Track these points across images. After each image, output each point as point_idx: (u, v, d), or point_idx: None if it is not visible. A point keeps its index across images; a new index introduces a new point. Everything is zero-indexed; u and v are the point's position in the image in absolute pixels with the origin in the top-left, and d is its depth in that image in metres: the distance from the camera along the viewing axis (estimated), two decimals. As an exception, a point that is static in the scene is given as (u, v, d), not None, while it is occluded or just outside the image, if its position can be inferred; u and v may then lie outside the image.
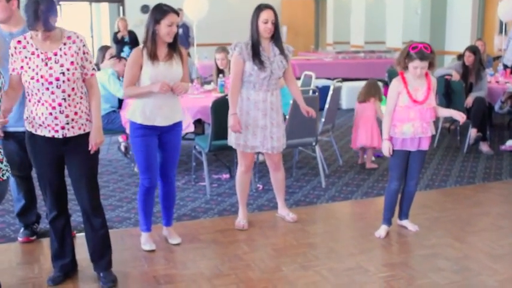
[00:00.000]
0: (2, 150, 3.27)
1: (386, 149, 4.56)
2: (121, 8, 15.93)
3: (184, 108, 5.98)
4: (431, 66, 4.48)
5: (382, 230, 4.73)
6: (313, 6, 17.63)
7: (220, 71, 7.29)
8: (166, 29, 4.08)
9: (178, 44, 4.29)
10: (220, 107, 5.58)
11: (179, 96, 4.36)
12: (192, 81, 7.21)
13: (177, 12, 4.19)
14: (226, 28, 14.88)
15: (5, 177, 3.25)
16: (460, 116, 4.54)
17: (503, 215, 5.23)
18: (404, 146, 4.54)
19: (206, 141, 5.76)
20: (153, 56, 4.13)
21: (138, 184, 4.47)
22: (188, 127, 6.07)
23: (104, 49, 7.07)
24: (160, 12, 4.09)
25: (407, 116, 4.46)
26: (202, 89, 7.17)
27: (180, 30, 12.95)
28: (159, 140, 4.34)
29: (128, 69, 4.21)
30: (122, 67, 6.23)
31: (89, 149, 3.63)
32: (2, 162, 3.26)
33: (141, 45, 4.23)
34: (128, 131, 4.94)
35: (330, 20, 17.08)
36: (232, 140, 4.77)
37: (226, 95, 5.79)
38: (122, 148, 7.25)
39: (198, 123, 6.69)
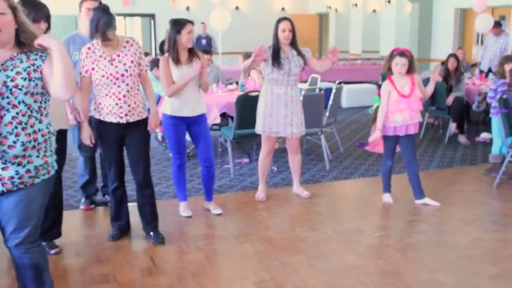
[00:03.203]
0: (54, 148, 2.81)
1: (376, 136, 4.91)
2: (152, 22, 16.26)
3: (212, 104, 6.38)
4: (412, 69, 4.84)
5: (388, 197, 5.11)
6: (317, 20, 17.88)
7: None
8: (186, 37, 4.40)
9: (196, 49, 4.60)
10: (243, 102, 5.94)
11: (204, 93, 4.71)
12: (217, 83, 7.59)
13: (192, 23, 4.49)
14: (245, 38, 15.13)
15: (53, 172, 2.76)
16: (436, 72, 5.01)
17: (476, 191, 5.54)
18: (395, 132, 4.90)
19: (231, 131, 6.11)
20: (177, 61, 4.45)
21: (171, 166, 4.82)
22: (215, 119, 6.43)
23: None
24: (179, 24, 4.40)
25: (398, 108, 4.82)
26: (226, 89, 7.53)
27: (204, 41, 13.36)
28: (191, 133, 4.67)
29: (163, 74, 4.48)
30: None
31: (148, 129, 4.02)
32: (53, 157, 2.77)
33: (166, 54, 4.52)
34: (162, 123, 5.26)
35: (331, 32, 17.26)
36: (259, 127, 5.11)
37: (248, 93, 6.17)
38: (159, 137, 7.62)
39: (223, 117, 7.04)
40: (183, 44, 4.42)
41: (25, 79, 2.54)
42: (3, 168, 2.52)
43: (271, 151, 5.27)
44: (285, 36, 4.94)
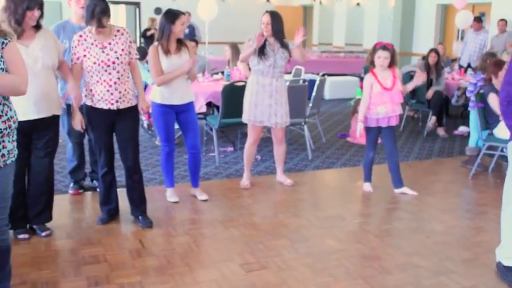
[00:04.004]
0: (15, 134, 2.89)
1: (359, 129, 5.08)
2: (137, 9, 16.25)
3: (198, 93, 6.50)
4: (393, 63, 5.02)
5: (368, 186, 5.29)
6: (301, 12, 18.03)
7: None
8: (180, 27, 4.53)
9: (184, 39, 4.72)
10: (229, 92, 6.08)
11: (191, 82, 4.83)
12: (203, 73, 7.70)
13: (184, 14, 4.65)
14: (230, 28, 15.19)
15: (16, 156, 2.89)
16: (420, 76, 5.07)
17: (452, 182, 5.77)
18: (378, 124, 5.08)
19: (216, 120, 6.25)
20: (167, 51, 4.56)
21: (160, 153, 4.95)
22: (201, 108, 6.56)
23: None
24: (173, 14, 4.53)
25: (381, 100, 5.01)
26: (212, 78, 7.64)
27: (187, 30, 13.44)
28: (180, 120, 4.78)
29: (153, 63, 4.56)
30: None
31: (141, 112, 4.16)
32: (14, 145, 2.87)
33: (155, 43, 4.62)
34: (150, 111, 5.34)
35: (315, 24, 17.44)
36: (245, 116, 5.26)
37: (234, 82, 6.31)
38: (145, 125, 7.72)
39: (208, 106, 7.16)
40: (176, 34, 4.53)
41: (2, 69, 2.69)
42: None
43: (256, 140, 5.41)
44: (262, 28, 5.08)
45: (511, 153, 3.50)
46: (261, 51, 5.07)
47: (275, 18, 5.12)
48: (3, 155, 2.75)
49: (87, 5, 4.01)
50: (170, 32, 4.51)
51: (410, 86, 5.21)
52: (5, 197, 2.84)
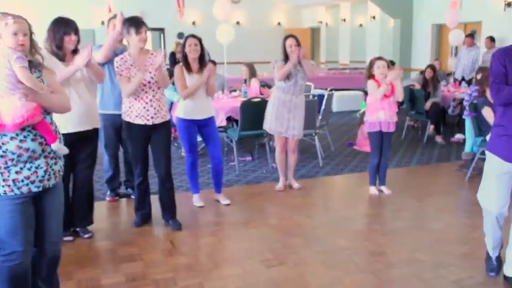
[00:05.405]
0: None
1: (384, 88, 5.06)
2: (161, 35, 16.41)
3: (218, 109, 6.60)
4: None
5: (374, 190, 5.35)
6: (309, 33, 18.10)
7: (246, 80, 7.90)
8: (189, 48, 4.63)
9: (206, 61, 4.83)
10: (247, 107, 6.17)
11: (212, 99, 4.93)
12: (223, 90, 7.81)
13: (195, 37, 4.70)
14: (245, 49, 15.30)
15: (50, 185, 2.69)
16: (398, 71, 5.19)
17: (450, 184, 5.80)
18: (380, 127, 5.14)
19: (235, 132, 6.35)
20: (188, 70, 4.68)
21: (185, 163, 5.01)
22: (222, 122, 6.65)
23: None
24: (185, 38, 4.69)
25: (381, 106, 5.08)
26: (230, 95, 7.74)
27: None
28: (202, 134, 4.88)
29: (179, 79, 4.67)
30: None
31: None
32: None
33: (180, 64, 4.75)
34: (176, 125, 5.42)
35: (322, 44, 17.48)
36: (265, 125, 5.45)
37: (251, 99, 6.40)
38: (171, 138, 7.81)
39: (228, 120, 7.25)
40: (188, 55, 4.65)
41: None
42: (54, 163, 2.69)
43: (283, 148, 5.53)
44: (292, 51, 5.16)
45: (487, 163, 3.31)
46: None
47: (298, 41, 5.24)
48: (62, 164, 2.75)
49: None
50: (185, 53, 4.65)
51: (398, 86, 5.13)
52: (63, 209, 2.86)
